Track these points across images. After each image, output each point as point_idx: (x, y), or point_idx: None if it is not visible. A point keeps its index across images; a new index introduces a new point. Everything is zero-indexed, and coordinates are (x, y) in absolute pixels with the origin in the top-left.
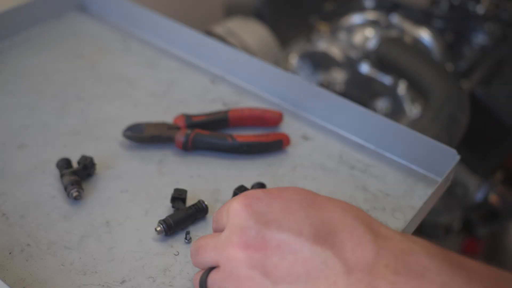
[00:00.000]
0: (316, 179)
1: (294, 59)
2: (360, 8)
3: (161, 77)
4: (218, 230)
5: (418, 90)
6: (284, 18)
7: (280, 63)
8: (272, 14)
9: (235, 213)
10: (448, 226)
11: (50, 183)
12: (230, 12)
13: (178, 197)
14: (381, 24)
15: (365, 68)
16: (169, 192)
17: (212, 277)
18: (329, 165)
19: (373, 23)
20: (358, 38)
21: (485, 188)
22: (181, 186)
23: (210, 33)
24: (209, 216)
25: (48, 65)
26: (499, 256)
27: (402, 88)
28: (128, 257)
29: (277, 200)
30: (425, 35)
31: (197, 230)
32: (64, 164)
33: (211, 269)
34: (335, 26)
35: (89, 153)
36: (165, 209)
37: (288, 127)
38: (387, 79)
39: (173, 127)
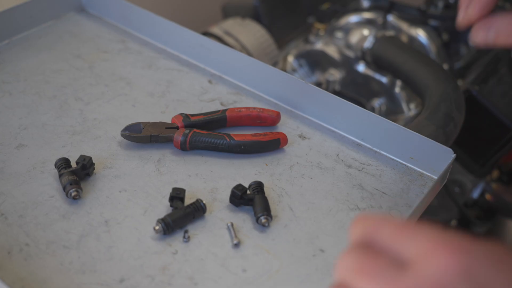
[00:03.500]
0: (313, 178)
1: (291, 59)
2: (357, 8)
3: (159, 77)
4: (384, 247)
5: (414, 89)
6: (281, 19)
7: (278, 63)
8: (269, 15)
9: (440, 272)
10: (445, 224)
11: (49, 183)
12: (228, 13)
13: (177, 196)
14: (378, 23)
15: (361, 67)
16: (168, 191)
17: None
18: (326, 164)
19: (369, 23)
20: (354, 37)
21: (481, 186)
22: (179, 185)
23: (207, 34)
24: (207, 215)
25: (47, 65)
26: None
27: (398, 87)
28: (126, 256)
29: (503, 273)
30: (421, 34)
31: (196, 229)
32: (62, 164)
33: None
34: (332, 26)
35: (87, 153)
36: (163, 208)
37: (286, 126)
38: (384, 78)
39: (171, 127)
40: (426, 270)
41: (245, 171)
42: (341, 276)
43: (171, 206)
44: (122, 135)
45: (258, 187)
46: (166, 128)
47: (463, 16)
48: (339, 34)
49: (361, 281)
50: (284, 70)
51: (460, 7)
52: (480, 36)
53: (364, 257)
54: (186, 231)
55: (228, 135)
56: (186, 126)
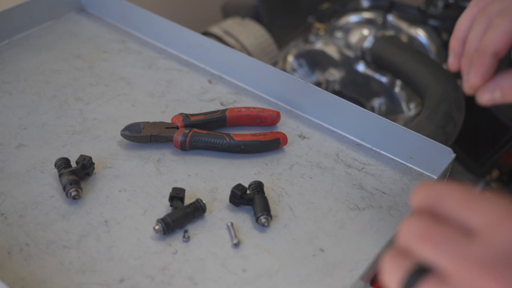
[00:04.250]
0: (313, 177)
1: (291, 59)
2: (357, 8)
3: (159, 77)
4: (448, 215)
5: (413, 89)
6: (281, 19)
7: (278, 63)
8: (269, 15)
9: (510, 242)
10: None
11: (49, 183)
12: (228, 13)
13: (176, 196)
14: (378, 23)
15: (361, 67)
16: (167, 191)
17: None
18: (326, 163)
19: (369, 23)
20: (354, 37)
21: (481, 186)
22: (179, 185)
23: (207, 34)
24: (207, 214)
25: (46, 65)
26: None
27: (398, 87)
28: (126, 256)
29: None
30: (421, 34)
31: (196, 229)
32: (62, 164)
33: (421, 271)
34: (332, 25)
35: (87, 152)
36: (163, 208)
37: (285, 126)
38: (384, 78)
39: (171, 127)
40: (495, 239)
41: (245, 171)
42: (404, 241)
43: (171, 206)
44: (122, 135)
45: (258, 187)
46: (166, 128)
47: (467, 84)
48: (339, 34)
49: (424, 247)
50: (284, 70)
51: (463, 73)
52: (486, 98)
53: (428, 224)
54: (186, 231)
55: (228, 135)
56: (186, 126)
